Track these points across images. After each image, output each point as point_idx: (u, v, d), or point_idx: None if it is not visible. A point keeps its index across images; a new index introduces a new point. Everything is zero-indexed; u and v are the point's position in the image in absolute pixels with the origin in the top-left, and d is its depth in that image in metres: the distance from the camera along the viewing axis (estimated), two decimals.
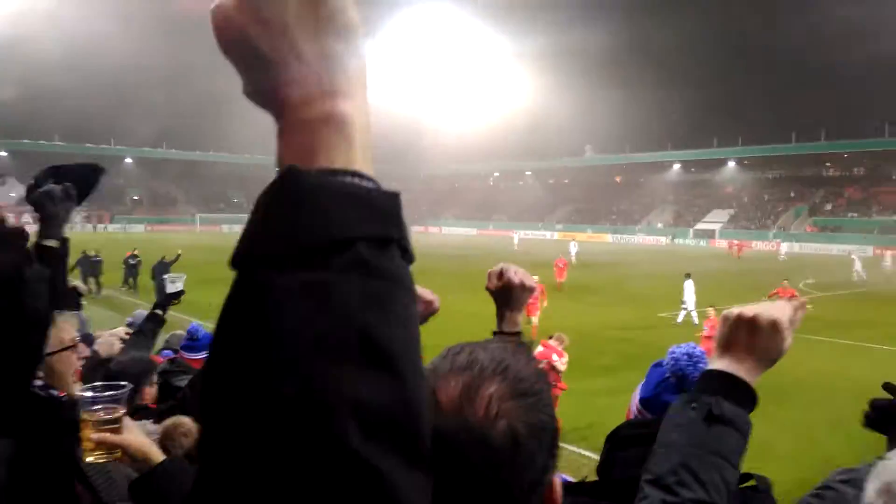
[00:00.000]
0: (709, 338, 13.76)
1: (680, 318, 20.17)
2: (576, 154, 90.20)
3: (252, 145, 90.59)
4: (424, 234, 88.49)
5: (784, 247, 48.27)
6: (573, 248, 44.35)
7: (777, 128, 72.95)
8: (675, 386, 1.50)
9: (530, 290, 1.62)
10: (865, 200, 67.36)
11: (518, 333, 1.58)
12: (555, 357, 9.71)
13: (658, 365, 1.60)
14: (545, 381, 0.84)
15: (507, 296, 1.59)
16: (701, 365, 1.48)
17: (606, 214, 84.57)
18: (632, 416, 1.60)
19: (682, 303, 20.15)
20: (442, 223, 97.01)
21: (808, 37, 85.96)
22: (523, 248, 50.89)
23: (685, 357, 1.52)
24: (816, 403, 11.90)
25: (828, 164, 74.96)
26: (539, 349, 9.74)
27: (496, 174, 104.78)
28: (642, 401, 1.58)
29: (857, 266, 34.28)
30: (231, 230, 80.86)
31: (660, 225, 76.62)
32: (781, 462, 9.19)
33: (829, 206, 69.23)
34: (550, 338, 10.19)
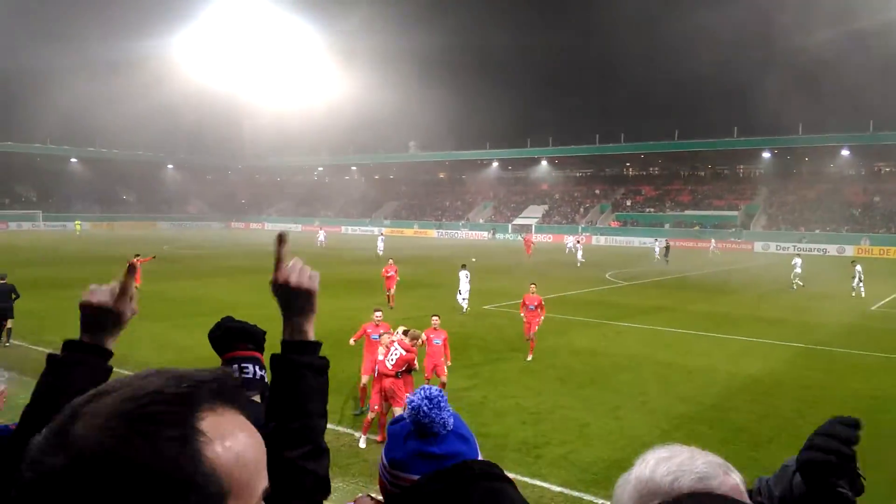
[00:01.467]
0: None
1: (465, 308, 20.70)
2: (400, 150, 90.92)
3: (41, 135, 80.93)
4: (246, 231, 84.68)
5: (571, 241, 51.31)
6: (380, 244, 44.25)
7: (584, 130, 78.78)
8: (423, 435, 1.33)
9: (309, 293, 1.46)
10: (660, 197, 74.78)
11: (304, 343, 1.44)
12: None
13: (396, 421, 1.41)
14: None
15: (285, 297, 1.44)
16: (444, 406, 1.33)
17: (432, 210, 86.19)
18: (387, 487, 1.34)
19: (459, 292, 20.91)
20: (265, 219, 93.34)
21: (613, 50, 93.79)
22: (332, 244, 50.16)
23: (425, 402, 1.34)
24: (626, 385, 12.56)
25: (628, 164, 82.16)
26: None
27: (320, 168, 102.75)
28: (392, 463, 1.34)
29: (657, 254, 39.42)
30: (19, 227, 71.64)
31: (482, 221, 79.51)
32: (598, 441, 9.52)
33: (629, 203, 75.92)
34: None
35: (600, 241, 60.88)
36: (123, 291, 1.45)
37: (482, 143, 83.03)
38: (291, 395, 1.40)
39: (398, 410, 9.26)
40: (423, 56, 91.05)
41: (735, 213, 66.95)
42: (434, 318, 11.70)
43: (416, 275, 30.26)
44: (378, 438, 9.31)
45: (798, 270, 29.91)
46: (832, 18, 61.93)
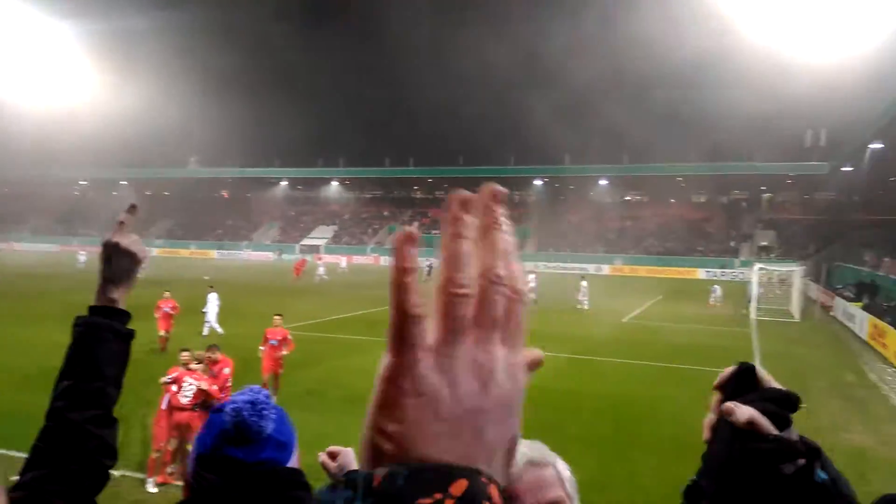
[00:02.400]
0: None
1: (205, 331, 19.88)
2: (179, 165, 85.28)
3: None
4: None
5: (342, 261, 52.39)
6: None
7: (374, 153, 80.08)
8: (237, 440, 1.26)
9: (134, 260, 1.50)
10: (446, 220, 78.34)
11: (113, 309, 1.47)
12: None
13: (217, 411, 1.33)
14: None
15: (110, 258, 1.49)
16: (266, 412, 1.28)
17: (212, 230, 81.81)
18: (189, 479, 1.27)
19: (204, 313, 20.24)
20: (13, 238, 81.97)
21: (403, 76, 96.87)
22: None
23: (248, 406, 1.28)
24: None
25: (415, 187, 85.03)
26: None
27: (83, 182, 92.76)
28: (198, 458, 1.27)
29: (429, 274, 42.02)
30: None
31: (268, 242, 77.13)
32: None
33: (416, 225, 78.37)
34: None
35: (388, 262, 62.35)
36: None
37: (271, 161, 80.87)
38: (91, 357, 1.39)
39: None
40: (210, 69, 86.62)
41: None
42: (276, 317, 12.95)
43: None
44: (159, 479, 8.43)
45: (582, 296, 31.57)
46: (597, 60, 69.72)
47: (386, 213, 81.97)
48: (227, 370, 9.77)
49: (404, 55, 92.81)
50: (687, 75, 64.54)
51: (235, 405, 1.27)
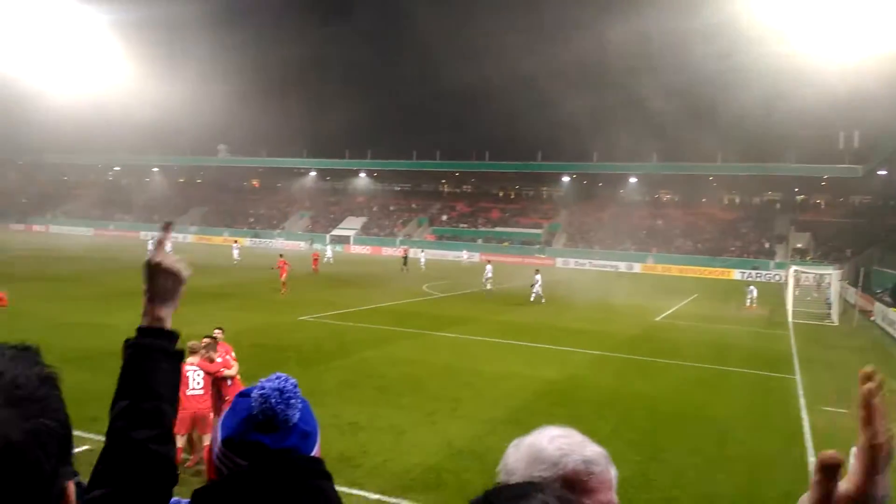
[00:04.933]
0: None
1: None
2: (209, 153, 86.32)
3: None
4: (27, 234, 75.29)
5: (422, 256, 52.55)
6: (235, 252, 44.25)
7: (402, 146, 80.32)
8: (264, 426, 1.29)
9: (178, 280, 1.49)
10: (473, 213, 78.28)
11: (162, 330, 1.45)
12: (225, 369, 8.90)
13: (244, 395, 1.35)
14: (51, 385, 0.81)
15: (154, 279, 1.48)
16: (293, 401, 1.30)
17: (244, 218, 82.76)
18: (214, 462, 1.30)
19: None
20: (50, 221, 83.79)
21: (432, 72, 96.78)
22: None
23: (276, 394, 1.30)
24: (441, 392, 12.85)
25: (443, 181, 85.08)
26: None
27: (117, 168, 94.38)
28: (225, 441, 1.29)
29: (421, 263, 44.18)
30: None
31: (299, 231, 77.79)
32: (414, 448, 9.62)
33: (444, 217, 78.54)
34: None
35: (417, 253, 62.27)
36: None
37: (299, 152, 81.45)
38: (144, 378, 1.40)
39: (206, 439, 8.62)
40: (239, 59, 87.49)
41: (539, 230, 71.88)
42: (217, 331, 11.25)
43: (226, 286, 28.83)
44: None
45: (489, 275, 33.93)
46: (624, 65, 69.06)
47: (414, 206, 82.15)
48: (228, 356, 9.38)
49: (433, 49, 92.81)
50: (720, 75, 63.51)
51: (263, 392, 1.29)
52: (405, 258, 47.83)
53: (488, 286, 33.47)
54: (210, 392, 8.76)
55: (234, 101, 78.64)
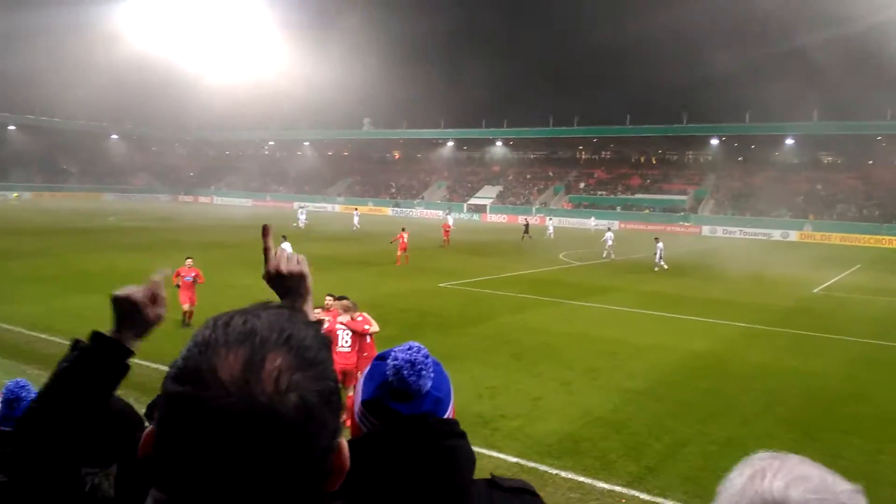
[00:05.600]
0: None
1: None
2: (355, 127, 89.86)
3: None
4: (194, 204, 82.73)
5: (550, 224, 51.76)
6: (356, 219, 45.89)
7: (537, 113, 79.33)
8: (399, 394, 1.36)
9: (301, 276, 1.49)
10: (612, 181, 76.01)
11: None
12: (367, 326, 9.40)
13: (381, 359, 1.42)
14: (327, 347, 0.84)
15: (280, 286, 1.47)
16: (424, 372, 1.36)
17: (386, 188, 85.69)
18: (356, 419, 1.39)
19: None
20: (214, 193, 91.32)
21: (568, 36, 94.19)
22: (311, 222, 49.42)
23: (408, 366, 1.36)
24: (578, 361, 12.83)
25: (580, 147, 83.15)
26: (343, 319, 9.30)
27: (271, 143, 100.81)
28: (365, 403, 1.39)
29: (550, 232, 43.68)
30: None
31: (437, 200, 79.45)
32: (550, 415, 9.73)
33: (582, 185, 76.94)
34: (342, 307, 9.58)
35: (553, 221, 61.63)
36: (155, 298, 1.53)
37: (437, 122, 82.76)
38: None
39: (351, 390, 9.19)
40: (379, 34, 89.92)
41: (684, 197, 68.53)
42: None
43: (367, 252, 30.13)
44: None
45: (610, 244, 33.72)
46: (780, 13, 63.53)
47: (551, 174, 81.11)
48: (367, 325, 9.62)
49: (572, 12, 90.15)
50: (892, 22, 56.62)
51: (397, 363, 1.36)
52: (526, 226, 47.28)
53: (611, 255, 33.19)
54: (355, 349, 9.31)
55: (378, 76, 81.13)
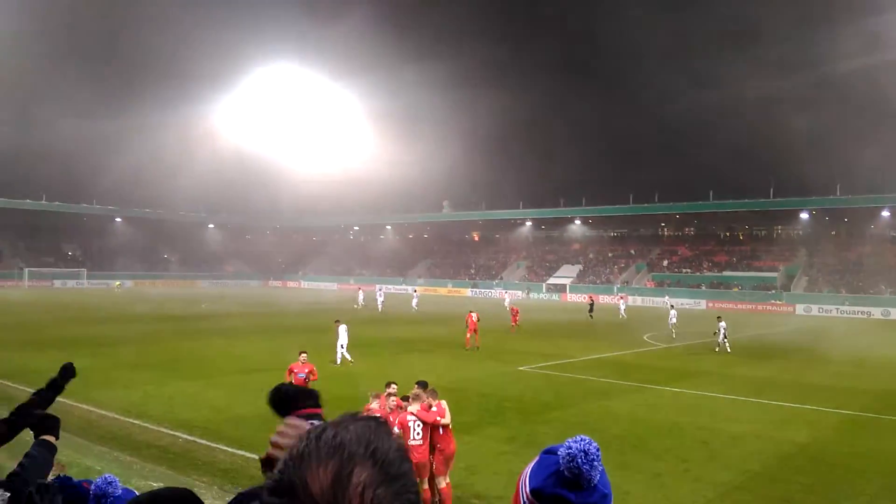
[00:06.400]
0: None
1: (338, 360, 21.49)
2: (434, 210, 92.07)
3: (88, 195, 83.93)
4: (283, 289, 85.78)
5: (622, 304, 50.28)
6: (414, 301, 47.53)
7: (617, 190, 79.01)
8: (570, 483, 1.42)
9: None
10: (696, 258, 73.92)
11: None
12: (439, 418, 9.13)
13: (550, 452, 1.49)
14: (409, 459, 0.87)
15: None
16: (596, 463, 1.41)
17: (465, 269, 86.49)
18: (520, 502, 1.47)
19: (340, 346, 21.86)
20: (301, 277, 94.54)
21: (645, 112, 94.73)
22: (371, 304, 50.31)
23: (581, 455, 1.41)
24: (668, 452, 12.28)
25: (662, 224, 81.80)
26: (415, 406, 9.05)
27: (356, 228, 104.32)
28: (533, 491, 1.46)
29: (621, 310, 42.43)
30: (63, 285, 73.78)
31: (516, 280, 79.36)
32: None
33: (665, 263, 75.17)
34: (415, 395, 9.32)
35: (637, 301, 60.23)
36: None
37: (515, 203, 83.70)
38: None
39: (442, 482, 8.98)
40: (459, 120, 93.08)
41: (774, 274, 65.71)
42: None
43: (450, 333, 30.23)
44: None
45: (673, 321, 33.41)
46: (865, 77, 61.87)
47: (632, 252, 79.85)
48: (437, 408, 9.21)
49: (646, 87, 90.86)
50: None
51: (570, 451, 1.42)
52: (591, 305, 46.24)
53: (673, 333, 32.73)
54: (427, 441, 8.95)
55: (457, 159, 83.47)
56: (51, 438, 3.29)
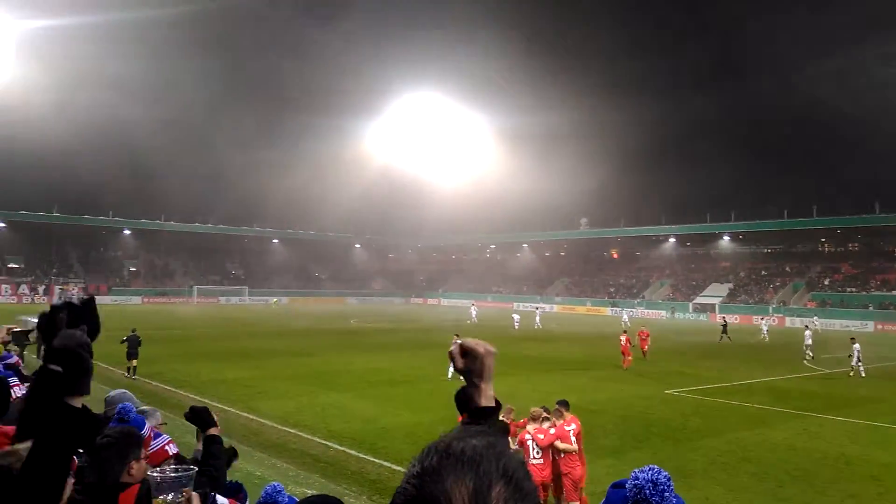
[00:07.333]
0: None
1: (449, 376, 20.86)
2: (572, 227, 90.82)
3: (249, 219, 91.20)
4: (424, 306, 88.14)
5: (764, 324, 46.61)
6: (537, 317, 47.91)
7: (769, 203, 73.80)
8: None
9: (492, 353, 1.55)
10: (862, 275, 67.34)
11: (496, 408, 1.50)
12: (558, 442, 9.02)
13: (618, 486, 1.50)
14: (531, 476, 0.89)
15: (475, 367, 1.52)
16: (667, 494, 1.41)
17: (604, 287, 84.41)
18: None
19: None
20: (440, 295, 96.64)
21: (799, 121, 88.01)
22: (488, 319, 50.25)
23: (649, 485, 1.43)
24: (834, 487, 11.34)
25: (823, 239, 75.44)
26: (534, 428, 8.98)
27: (493, 246, 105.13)
28: None
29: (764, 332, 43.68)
30: (228, 301, 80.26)
31: (660, 300, 76.29)
32: None
33: (826, 281, 69.12)
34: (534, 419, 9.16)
35: (794, 322, 55.69)
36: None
37: (657, 219, 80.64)
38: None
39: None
40: (597, 136, 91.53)
41: None
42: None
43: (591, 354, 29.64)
44: None
45: (809, 342, 31.87)
46: None
47: (788, 269, 74.18)
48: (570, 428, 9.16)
49: (801, 93, 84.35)
50: None
51: (637, 482, 1.44)
52: (724, 325, 43.05)
53: (807, 355, 31.06)
54: (548, 460, 8.82)
55: (595, 175, 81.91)
56: (215, 431, 3.67)
